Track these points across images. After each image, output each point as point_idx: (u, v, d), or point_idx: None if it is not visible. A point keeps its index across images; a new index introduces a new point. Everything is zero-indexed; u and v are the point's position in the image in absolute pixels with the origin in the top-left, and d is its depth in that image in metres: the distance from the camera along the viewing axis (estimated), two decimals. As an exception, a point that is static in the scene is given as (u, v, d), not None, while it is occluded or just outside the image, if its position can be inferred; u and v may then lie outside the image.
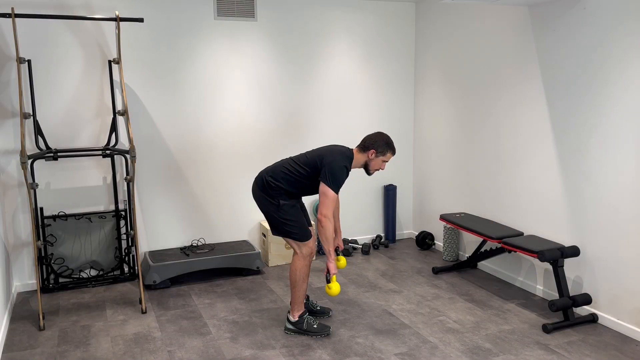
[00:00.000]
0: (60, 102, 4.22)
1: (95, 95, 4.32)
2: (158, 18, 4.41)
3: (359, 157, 3.38)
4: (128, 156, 4.34)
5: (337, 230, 3.67)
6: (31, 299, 4.11)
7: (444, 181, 5.11)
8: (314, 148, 3.53)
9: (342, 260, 3.61)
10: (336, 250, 3.67)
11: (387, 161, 3.43)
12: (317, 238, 4.70)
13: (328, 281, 3.29)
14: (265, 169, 3.45)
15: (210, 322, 3.67)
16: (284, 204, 3.33)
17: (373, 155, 3.36)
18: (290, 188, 3.35)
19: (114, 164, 4.38)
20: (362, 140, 3.41)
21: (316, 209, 5.08)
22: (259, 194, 3.39)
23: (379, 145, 3.35)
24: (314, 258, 3.99)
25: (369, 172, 3.46)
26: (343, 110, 5.19)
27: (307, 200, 5.07)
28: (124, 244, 4.48)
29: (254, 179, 3.50)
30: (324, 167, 3.24)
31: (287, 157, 3.53)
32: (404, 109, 5.46)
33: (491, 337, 3.40)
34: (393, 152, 3.41)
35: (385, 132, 5.32)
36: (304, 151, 4.89)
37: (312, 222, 3.98)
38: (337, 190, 3.24)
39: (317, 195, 3.47)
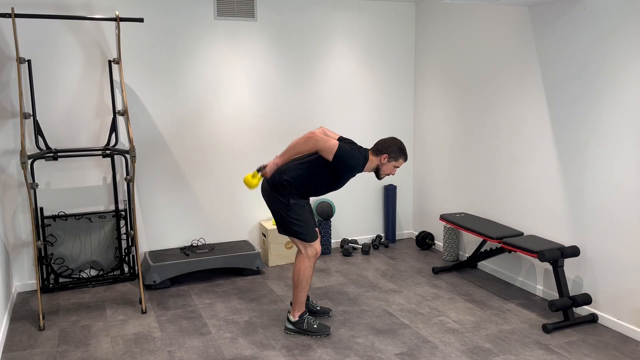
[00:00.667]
0: (60, 102, 4.22)
1: (95, 95, 4.32)
2: (158, 18, 4.42)
3: (371, 160, 3.35)
4: (128, 156, 4.34)
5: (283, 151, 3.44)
6: (31, 299, 4.11)
7: (444, 181, 5.11)
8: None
9: (257, 177, 3.38)
10: (263, 167, 3.43)
11: (398, 167, 3.40)
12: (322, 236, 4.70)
13: (258, 170, 3.30)
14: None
15: (210, 322, 3.67)
16: (294, 203, 3.32)
17: (385, 160, 3.33)
18: (302, 187, 3.32)
19: (114, 164, 4.38)
20: (375, 144, 3.37)
21: (316, 210, 5.08)
22: (269, 191, 3.37)
23: (392, 150, 3.33)
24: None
25: (379, 177, 3.43)
26: (343, 110, 5.19)
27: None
28: (124, 244, 4.48)
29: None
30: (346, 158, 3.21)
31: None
32: (403, 109, 5.46)
33: (491, 337, 3.40)
34: (405, 158, 3.39)
35: (385, 131, 5.37)
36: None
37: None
38: (342, 157, 3.16)
39: (325, 194, 3.46)
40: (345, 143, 3.31)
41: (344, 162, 3.20)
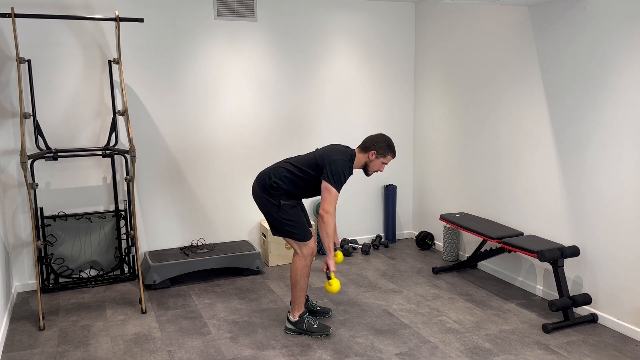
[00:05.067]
0: (60, 102, 4.22)
1: (95, 95, 4.32)
2: (158, 18, 4.42)
3: (359, 157, 3.38)
4: (128, 156, 4.34)
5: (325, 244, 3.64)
6: (31, 299, 4.11)
7: (444, 181, 5.11)
8: (316, 148, 3.52)
9: (340, 255, 3.60)
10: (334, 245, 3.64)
11: (386, 163, 3.43)
12: (318, 236, 4.70)
13: (328, 278, 3.29)
14: (266, 169, 3.45)
15: (210, 322, 3.67)
16: (285, 204, 3.33)
17: (373, 156, 3.36)
18: (291, 189, 3.35)
19: (114, 164, 4.38)
20: (364, 141, 3.40)
21: (316, 210, 5.08)
22: (260, 194, 3.38)
23: (380, 146, 3.35)
24: (314, 258, 4.00)
25: (367, 173, 3.46)
26: (343, 111, 5.19)
27: (307, 201, 5.07)
28: (124, 244, 4.48)
29: (254, 179, 3.49)
30: (326, 166, 3.24)
31: (287, 157, 3.52)
32: (403, 109, 5.46)
33: (491, 337, 3.40)
34: (393, 154, 3.41)
35: (385, 132, 5.36)
36: (304, 151, 4.94)
37: (312, 223, 3.99)
38: (339, 189, 3.24)
39: (316, 196, 3.47)
40: (322, 152, 3.34)
41: (340, 177, 3.25)
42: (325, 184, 3.22)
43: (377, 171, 3.44)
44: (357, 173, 5.32)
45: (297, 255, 3.41)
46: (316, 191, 3.40)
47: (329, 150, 3.35)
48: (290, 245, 3.44)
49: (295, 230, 3.35)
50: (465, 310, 3.82)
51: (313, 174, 3.32)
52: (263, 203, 3.38)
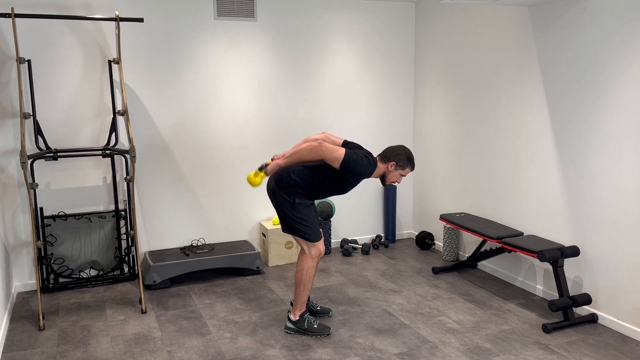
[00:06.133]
0: (60, 102, 4.22)
1: (95, 95, 4.32)
2: (158, 18, 4.41)
3: (379, 167, 3.35)
4: (128, 156, 4.34)
5: (288, 153, 3.43)
6: (31, 299, 4.11)
7: (444, 181, 5.11)
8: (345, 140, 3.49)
9: (259, 178, 3.42)
10: (264, 165, 3.43)
11: (404, 175, 3.40)
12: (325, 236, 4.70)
13: (260, 169, 3.30)
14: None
15: (210, 322, 3.67)
16: (299, 202, 3.32)
17: (392, 167, 3.33)
18: (309, 188, 3.32)
19: (114, 164, 4.38)
20: (384, 151, 3.37)
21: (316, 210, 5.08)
22: (275, 189, 3.36)
23: (400, 158, 3.33)
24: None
25: (384, 184, 3.42)
26: (343, 110, 5.19)
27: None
28: (124, 244, 4.48)
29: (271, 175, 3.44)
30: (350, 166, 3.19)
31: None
32: (403, 109, 5.46)
33: (491, 337, 3.40)
34: (412, 167, 3.39)
35: (385, 131, 5.37)
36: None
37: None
38: (349, 165, 3.15)
39: (329, 197, 3.44)
40: (351, 148, 3.32)
41: (352, 169, 3.20)
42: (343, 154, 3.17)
43: (394, 182, 3.42)
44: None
45: (305, 255, 3.41)
46: (331, 192, 3.38)
47: (356, 152, 3.28)
48: (299, 244, 3.44)
49: (307, 229, 3.34)
50: (465, 310, 3.82)
51: (331, 176, 3.27)
52: (277, 199, 3.36)
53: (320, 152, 3.18)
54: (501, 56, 4.28)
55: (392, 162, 3.33)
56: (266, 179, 3.48)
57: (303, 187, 3.31)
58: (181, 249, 4.64)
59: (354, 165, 3.19)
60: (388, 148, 3.38)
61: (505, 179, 4.33)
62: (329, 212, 4.99)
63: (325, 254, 5.10)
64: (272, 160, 3.37)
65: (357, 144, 3.44)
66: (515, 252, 3.89)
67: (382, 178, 3.40)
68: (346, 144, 3.42)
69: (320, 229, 3.47)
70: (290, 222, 3.36)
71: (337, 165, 3.17)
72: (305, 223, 3.33)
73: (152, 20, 4.40)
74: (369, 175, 3.30)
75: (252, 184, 3.33)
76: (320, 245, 3.41)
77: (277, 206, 3.39)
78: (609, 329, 3.50)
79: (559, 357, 3.14)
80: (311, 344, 3.32)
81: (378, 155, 3.39)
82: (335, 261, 4.94)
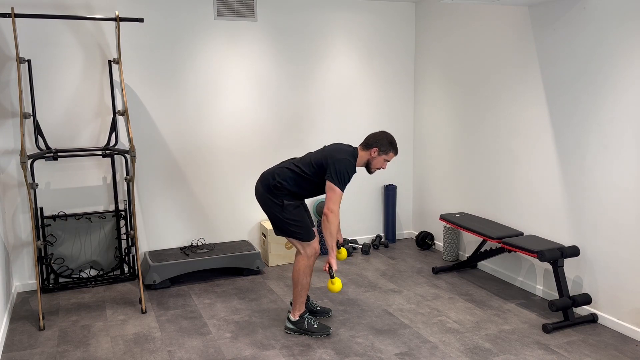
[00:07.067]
0: (60, 102, 4.22)
1: (95, 95, 4.32)
2: (158, 18, 4.41)
3: (362, 155, 3.38)
4: (128, 156, 4.34)
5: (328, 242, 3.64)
6: (31, 299, 4.11)
7: (444, 181, 5.11)
8: (319, 148, 3.52)
9: (343, 251, 3.61)
10: (337, 243, 3.65)
11: (389, 160, 3.43)
12: (321, 235, 4.70)
13: (332, 277, 3.29)
14: (270, 169, 3.45)
15: (210, 322, 3.67)
16: (288, 204, 3.33)
17: (375, 153, 3.36)
18: (295, 189, 3.35)
19: (114, 164, 4.38)
20: (366, 139, 3.40)
21: (316, 210, 5.08)
22: (263, 194, 3.38)
23: (382, 144, 3.35)
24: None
25: (370, 171, 3.46)
26: (343, 110, 5.19)
27: (308, 201, 5.07)
28: (124, 244, 4.48)
29: (257, 179, 3.49)
30: (330, 166, 3.23)
31: (291, 157, 3.52)
32: (403, 109, 5.46)
33: (491, 337, 3.40)
34: (395, 151, 3.41)
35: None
36: (304, 151, 4.94)
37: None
38: (343, 188, 3.23)
39: (319, 195, 3.47)
40: (329, 152, 3.32)
41: (346, 182, 3.25)
42: (329, 184, 3.22)
43: (379, 168, 3.44)
44: (360, 173, 5.33)
45: (300, 255, 3.41)
46: (319, 191, 3.40)
47: (332, 150, 3.34)
48: (293, 245, 3.45)
49: (299, 230, 3.35)
50: (465, 310, 3.82)
51: (317, 173, 3.31)
52: (266, 203, 3.38)
53: (331, 220, 3.22)
54: (501, 56, 4.28)
55: (375, 148, 3.34)
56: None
57: (289, 189, 3.34)
58: (181, 249, 4.64)
59: (344, 177, 3.23)
60: (369, 135, 3.41)
61: (505, 179, 4.33)
62: (329, 212, 4.98)
63: (325, 254, 5.09)
64: (329, 268, 3.33)
65: (334, 145, 3.43)
66: (515, 252, 3.89)
67: (367, 166, 3.42)
68: (322, 150, 3.42)
69: (315, 228, 3.47)
70: (282, 224, 3.37)
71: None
72: (296, 223, 3.34)
73: (152, 20, 4.40)
74: (353, 169, 3.31)
75: (337, 289, 3.29)
76: (315, 244, 3.42)
77: (267, 210, 3.41)
78: (609, 329, 3.50)
79: (559, 357, 3.14)
80: (311, 344, 3.32)
81: (359, 145, 3.42)
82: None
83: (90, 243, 4.36)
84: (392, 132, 5.41)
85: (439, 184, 5.20)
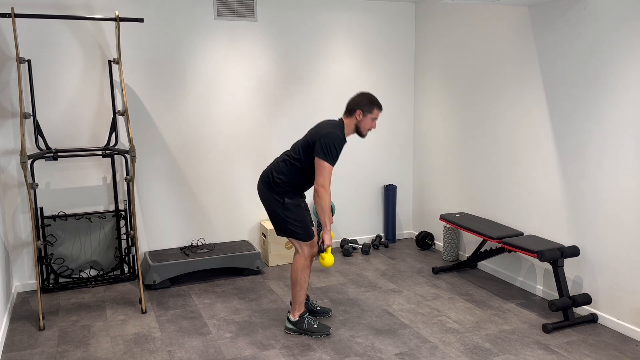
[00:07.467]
0: (60, 102, 4.22)
1: (95, 95, 4.32)
2: (158, 18, 4.41)
3: (348, 123, 3.36)
4: (128, 156, 4.34)
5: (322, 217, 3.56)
6: (31, 299, 4.11)
7: (444, 181, 5.11)
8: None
9: (327, 257, 3.53)
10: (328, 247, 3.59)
11: (376, 118, 3.38)
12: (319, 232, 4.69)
13: (322, 251, 3.28)
14: (267, 167, 3.46)
15: (210, 322, 3.67)
16: (290, 202, 3.33)
17: (360, 115, 3.32)
18: (294, 179, 3.34)
19: (114, 164, 4.38)
20: (346, 105, 3.37)
21: (315, 210, 5.08)
22: (266, 192, 3.38)
23: (363, 104, 3.32)
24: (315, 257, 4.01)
25: (361, 135, 3.41)
26: (343, 110, 5.18)
27: (308, 201, 5.07)
28: (124, 244, 4.48)
29: (259, 177, 3.49)
30: (316, 143, 3.22)
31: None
32: (403, 109, 5.46)
33: (491, 337, 3.40)
34: (379, 107, 3.37)
35: (385, 131, 5.37)
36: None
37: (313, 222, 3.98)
38: (332, 162, 3.21)
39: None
40: (316, 132, 3.30)
41: (337, 154, 3.24)
42: (317, 160, 3.21)
43: (370, 129, 3.40)
44: (357, 174, 5.33)
45: (299, 255, 3.42)
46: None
47: (317, 127, 3.34)
48: (292, 244, 3.45)
49: (299, 229, 3.36)
50: (465, 310, 3.82)
51: (307, 154, 3.30)
52: (268, 201, 3.38)
53: (322, 195, 3.21)
54: (501, 56, 4.28)
55: (358, 111, 3.32)
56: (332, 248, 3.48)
57: (289, 181, 3.33)
58: (181, 249, 4.64)
59: (331, 151, 3.20)
60: (349, 101, 3.38)
61: (505, 179, 4.33)
62: (329, 212, 4.98)
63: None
64: (322, 239, 3.34)
65: (318, 123, 3.42)
66: (515, 252, 3.89)
67: (358, 131, 3.39)
68: (309, 132, 3.40)
69: (314, 228, 3.47)
70: (282, 223, 3.38)
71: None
72: (296, 223, 3.35)
73: (152, 20, 4.40)
74: (344, 139, 3.29)
75: (328, 264, 3.30)
76: (313, 244, 3.42)
77: (268, 209, 3.41)
78: (609, 329, 3.50)
79: (559, 357, 3.14)
80: (311, 344, 3.32)
81: (343, 114, 3.40)
82: (335, 261, 4.94)
83: (90, 243, 4.36)
84: (392, 132, 5.42)
85: (439, 184, 5.20)
